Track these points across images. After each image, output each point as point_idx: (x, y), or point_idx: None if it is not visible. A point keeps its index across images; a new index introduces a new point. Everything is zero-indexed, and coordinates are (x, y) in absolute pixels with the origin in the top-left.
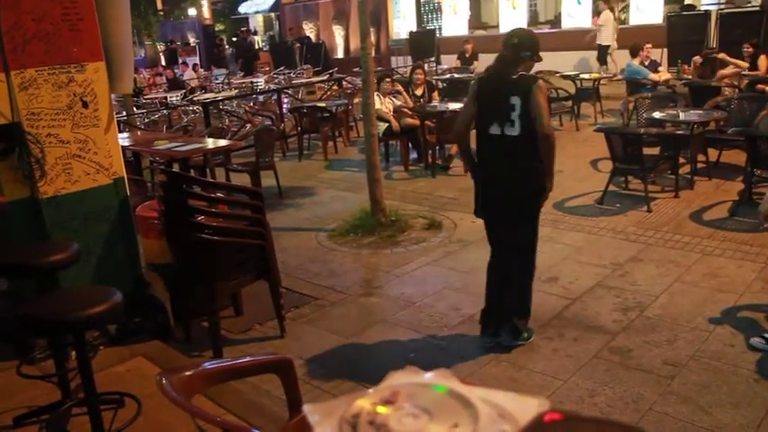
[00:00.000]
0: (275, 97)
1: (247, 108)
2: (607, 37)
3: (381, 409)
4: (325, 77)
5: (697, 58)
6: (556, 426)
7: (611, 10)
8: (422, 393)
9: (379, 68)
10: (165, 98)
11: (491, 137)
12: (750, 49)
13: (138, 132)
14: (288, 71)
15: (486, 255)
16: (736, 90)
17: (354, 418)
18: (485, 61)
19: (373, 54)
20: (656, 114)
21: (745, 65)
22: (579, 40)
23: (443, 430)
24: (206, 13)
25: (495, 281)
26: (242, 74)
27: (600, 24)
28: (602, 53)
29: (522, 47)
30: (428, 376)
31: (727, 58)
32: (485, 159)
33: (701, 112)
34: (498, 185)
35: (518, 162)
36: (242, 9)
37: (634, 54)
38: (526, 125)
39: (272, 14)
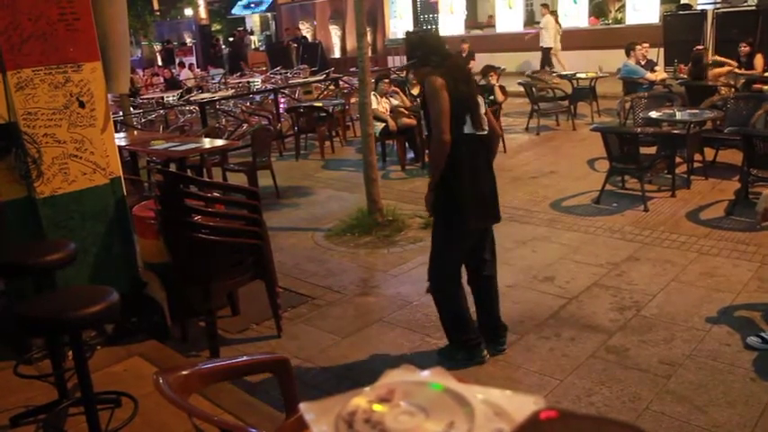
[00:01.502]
0: (272, 97)
1: (244, 108)
2: (548, 40)
3: (377, 407)
4: (322, 77)
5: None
6: (552, 423)
7: (553, 14)
8: (418, 391)
9: (375, 68)
10: (162, 98)
11: (468, 137)
12: (746, 48)
13: (135, 132)
14: (284, 71)
15: None
16: (733, 89)
17: (351, 416)
18: (481, 60)
19: (370, 54)
20: (653, 114)
21: (735, 63)
22: (575, 39)
23: (439, 428)
24: (202, 13)
25: (473, 296)
26: (237, 74)
27: (541, 27)
28: (545, 55)
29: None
30: (424, 374)
31: (720, 59)
32: (472, 164)
33: (697, 111)
34: (490, 192)
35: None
36: (236, 10)
37: (628, 53)
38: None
39: (269, 14)
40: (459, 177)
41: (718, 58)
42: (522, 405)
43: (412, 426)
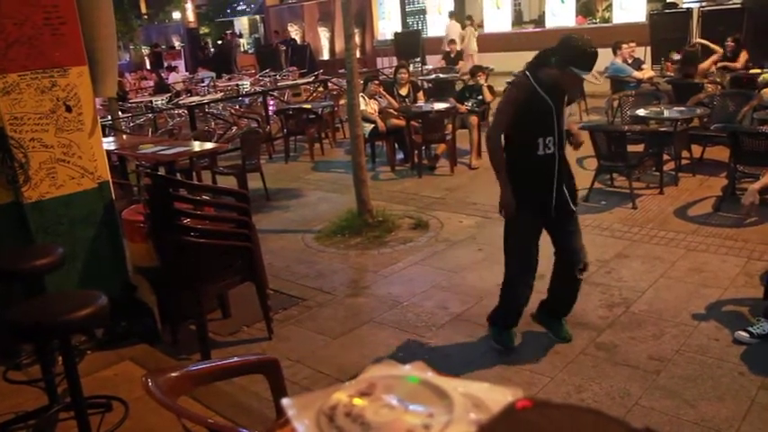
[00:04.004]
0: (261, 99)
1: (233, 111)
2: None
3: (358, 401)
4: (311, 79)
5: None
6: (527, 412)
7: (469, 19)
8: (398, 385)
9: (364, 69)
10: (151, 102)
11: None
12: (732, 44)
13: (124, 136)
14: (273, 73)
15: (470, 253)
16: (719, 87)
17: (332, 411)
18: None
19: (358, 55)
20: (640, 112)
21: (721, 50)
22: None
23: (418, 420)
24: (191, 16)
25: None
26: (226, 77)
27: (446, 33)
28: (456, 58)
29: (551, 51)
30: (405, 369)
31: (705, 42)
32: None
33: (684, 108)
34: None
35: None
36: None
37: (614, 52)
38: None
39: (257, 17)
40: None
41: (704, 41)
42: (500, 397)
43: (392, 418)
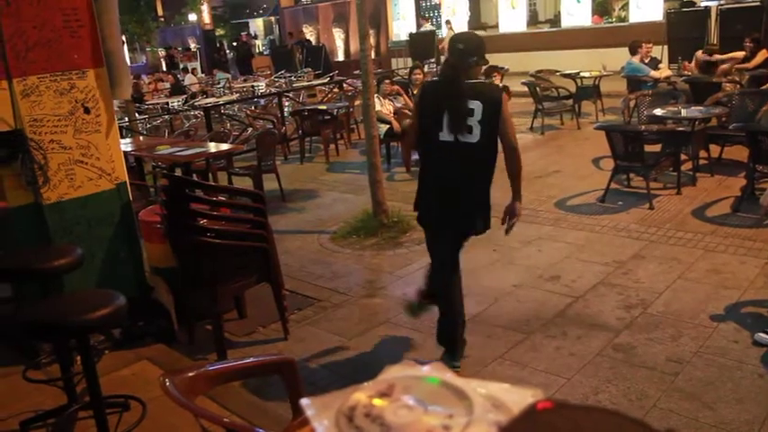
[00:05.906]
0: (276, 101)
1: (248, 112)
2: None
3: (377, 402)
4: (326, 80)
5: (699, 53)
6: (547, 413)
7: (448, 23)
8: (417, 386)
9: (379, 70)
10: (167, 103)
11: (441, 144)
12: (750, 44)
13: (141, 138)
14: (288, 74)
15: (485, 254)
16: (737, 86)
17: (351, 411)
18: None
19: (373, 56)
20: (657, 111)
21: (741, 54)
22: (578, 38)
23: (438, 421)
24: (206, 18)
25: None
26: (242, 78)
27: (443, 37)
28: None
29: (467, 52)
30: (424, 369)
31: (721, 57)
32: (433, 167)
33: (702, 108)
34: (445, 198)
35: (471, 175)
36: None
37: (633, 52)
38: (488, 133)
39: (272, 18)
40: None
41: (719, 56)
42: (520, 398)
43: (411, 419)
